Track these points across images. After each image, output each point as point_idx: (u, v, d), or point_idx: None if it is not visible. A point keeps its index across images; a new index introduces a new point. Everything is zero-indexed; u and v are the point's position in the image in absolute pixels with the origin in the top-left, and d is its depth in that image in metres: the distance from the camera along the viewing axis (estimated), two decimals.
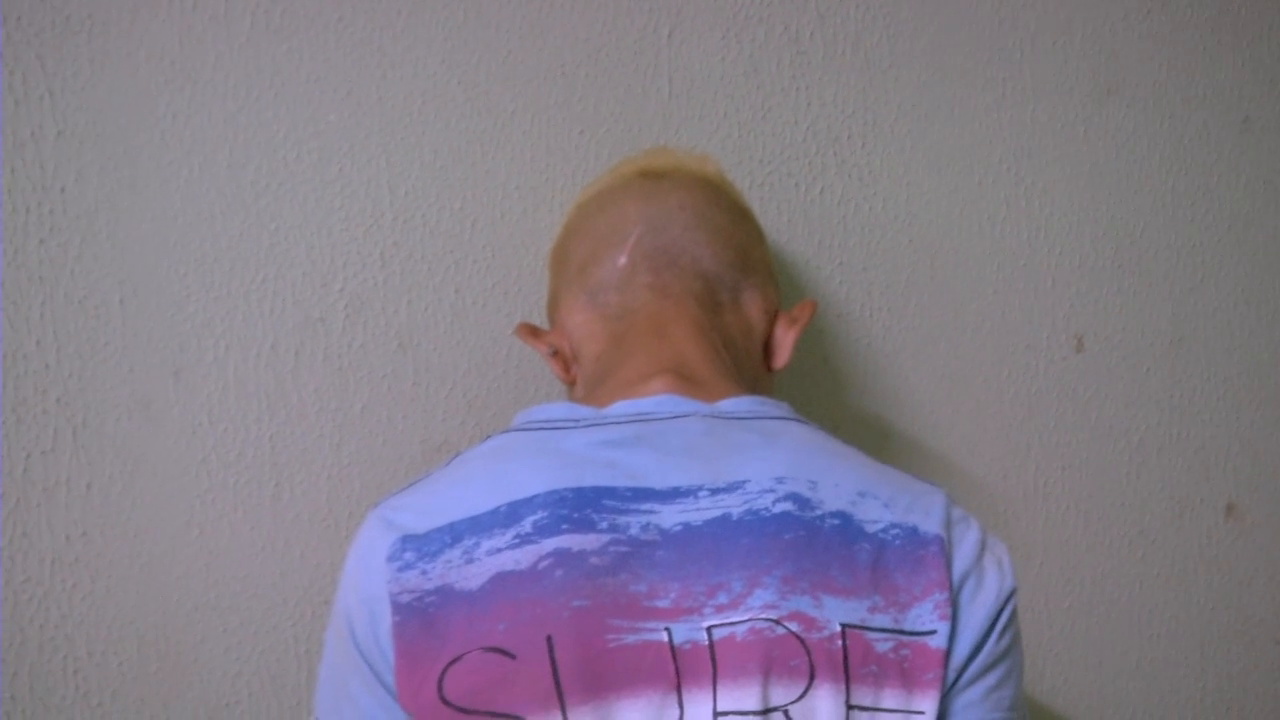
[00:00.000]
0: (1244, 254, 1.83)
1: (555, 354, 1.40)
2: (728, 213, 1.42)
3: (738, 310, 1.39)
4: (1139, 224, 1.80)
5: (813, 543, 1.19)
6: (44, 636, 1.54)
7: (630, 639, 1.17)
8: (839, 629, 1.17)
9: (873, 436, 1.67)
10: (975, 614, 1.20)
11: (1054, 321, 1.75)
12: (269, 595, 1.56)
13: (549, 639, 1.16)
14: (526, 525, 1.19)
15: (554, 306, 1.42)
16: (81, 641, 1.55)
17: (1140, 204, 1.80)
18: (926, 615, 1.18)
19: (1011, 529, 1.71)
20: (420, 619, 1.18)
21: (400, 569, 1.19)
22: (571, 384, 1.39)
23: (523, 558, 1.18)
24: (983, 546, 1.23)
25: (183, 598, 1.58)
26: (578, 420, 1.26)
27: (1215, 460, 1.83)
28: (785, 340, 1.40)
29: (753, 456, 1.23)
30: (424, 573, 1.19)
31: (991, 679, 1.21)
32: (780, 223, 1.64)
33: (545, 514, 1.19)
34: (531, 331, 1.42)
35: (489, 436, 1.28)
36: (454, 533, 1.21)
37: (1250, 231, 1.82)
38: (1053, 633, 1.76)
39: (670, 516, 1.20)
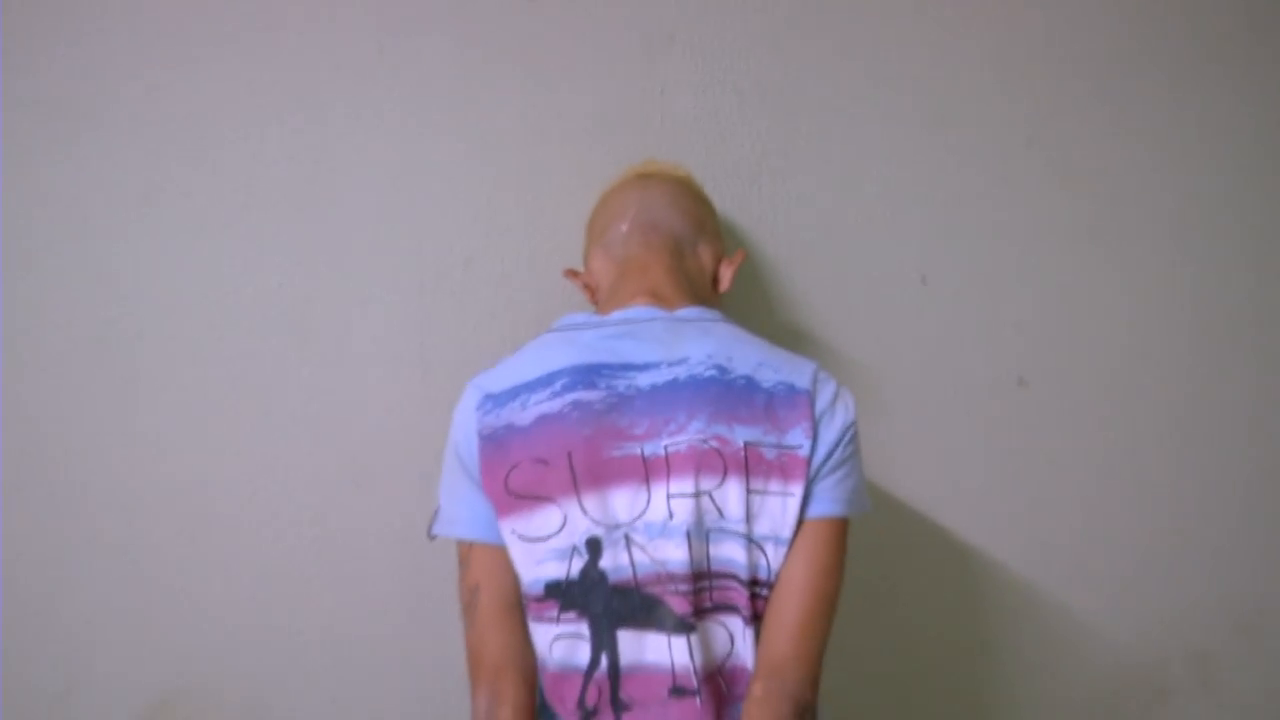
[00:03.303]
0: (1033, 233, 1.75)
1: (586, 286, 1.44)
2: (692, 198, 1.45)
3: (695, 257, 1.41)
4: (969, 201, 1.74)
5: (728, 393, 1.24)
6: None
7: (618, 453, 1.22)
8: (742, 445, 1.22)
9: (788, 334, 1.67)
10: (828, 435, 1.25)
11: (904, 263, 1.72)
12: (430, 422, 1.46)
13: (569, 454, 1.22)
14: (557, 386, 1.24)
15: (586, 257, 1.45)
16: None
17: (967, 191, 1.74)
18: (798, 436, 1.23)
19: (871, 393, 1.68)
20: (494, 443, 1.24)
21: (483, 414, 1.26)
22: (595, 303, 1.42)
23: (554, 405, 1.23)
24: (836, 395, 1.27)
25: (367, 442, 1.57)
26: (589, 323, 1.31)
27: (1009, 344, 1.76)
28: (726, 274, 1.42)
29: (694, 343, 1.27)
30: (497, 416, 1.25)
31: (839, 474, 1.25)
32: (732, 207, 1.64)
33: (568, 379, 1.24)
34: (573, 273, 1.46)
35: (538, 335, 1.33)
36: (514, 392, 1.26)
37: (1037, 221, 1.74)
38: (900, 465, 1.73)
39: (643, 379, 1.25)
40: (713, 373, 1.23)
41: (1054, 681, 1.83)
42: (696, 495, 1.20)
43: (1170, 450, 1.84)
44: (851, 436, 1.25)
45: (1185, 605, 1.86)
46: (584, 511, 1.20)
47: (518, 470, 1.22)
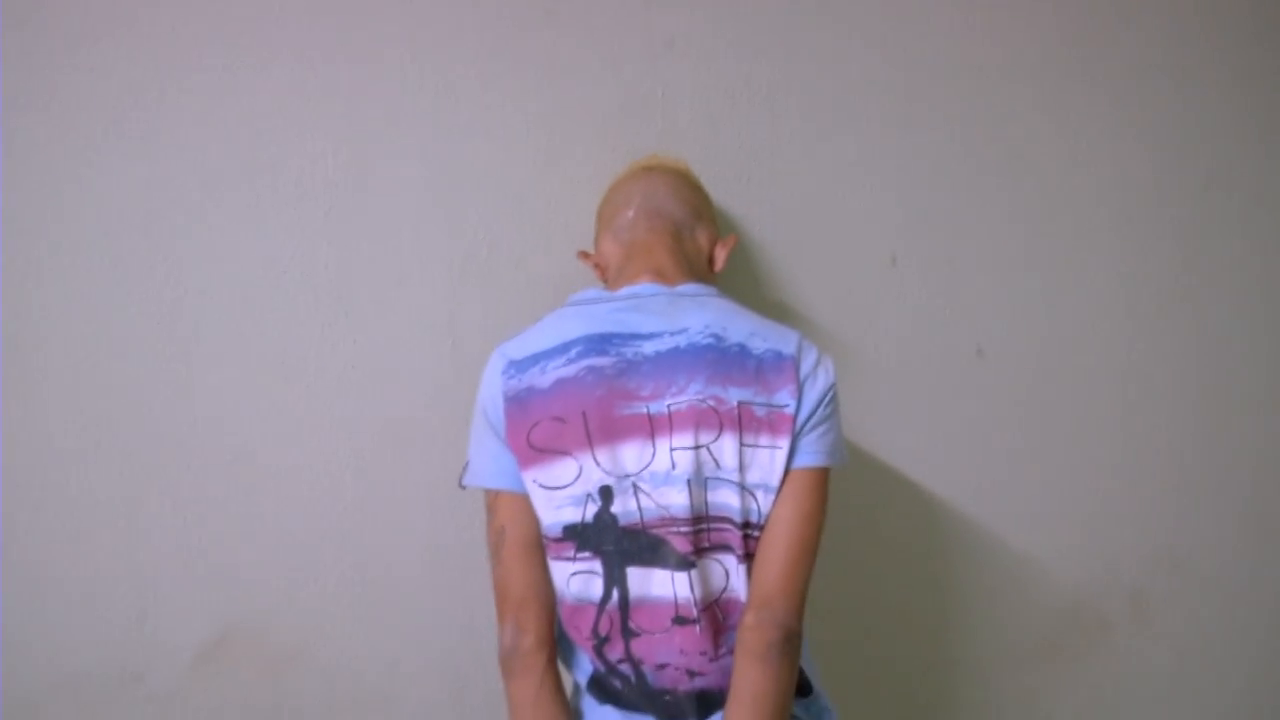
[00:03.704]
0: (990, 220, 1.75)
1: (597, 266, 1.43)
2: (689, 188, 1.45)
3: (693, 240, 1.40)
4: (934, 191, 1.73)
5: (723, 359, 1.24)
6: None
7: (627, 412, 1.23)
8: (736, 404, 1.23)
9: (774, 308, 1.66)
10: (811, 396, 1.25)
11: (876, 246, 1.71)
12: (458, 385, 1.53)
13: (584, 413, 1.22)
14: (573, 353, 1.25)
15: (597, 241, 1.45)
16: None
17: (932, 182, 1.73)
18: (784, 396, 1.24)
19: (846, 360, 1.68)
20: (518, 404, 1.25)
21: (508, 379, 1.26)
22: (604, 281, 1.42)
23: (570, 370, 1.24)
24: (818, 361, 1.28)
25: (403, 403, 1.57)
26: (600, 298, 1.31)
27: (969, 318, 1.76)
28: (720, 256, 1.41)
29: (692, 315, 1.27)
30: (519, 380, 1.25)
31: (820, 430, 1.26)
32: (724, 196, 1.63)
33: (582, 347, 1.25)
34: (585, 255, 1.45)
35: (555, 309, 1.33)
36: (535, 359, 1.26)
37: (993, 210, 1.74)
38: (872, 423, 1.73)
39: (649, 347, 1.25)
40: (709, 341, 1.23)
41: (1008, 616, 1.84)
42: (696, 448, 1.21)
43: (1110, 411, 1.84)
44: (831, 397, 1.26)
45: (1124, 548, 1.88)
46: (597, 463, 1.21)
47: (538, 427, 1.22)
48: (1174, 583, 1.90)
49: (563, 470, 1.22)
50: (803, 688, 1.27)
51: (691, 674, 1.23)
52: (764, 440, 1.22)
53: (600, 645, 1.24)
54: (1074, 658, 1.87)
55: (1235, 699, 1.96)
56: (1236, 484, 1.92)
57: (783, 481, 1.22)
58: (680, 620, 1.21)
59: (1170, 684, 1.92)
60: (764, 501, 1.22)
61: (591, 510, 1.22)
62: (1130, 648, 1.89)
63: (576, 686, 1.30)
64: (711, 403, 1.21)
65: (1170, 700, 1.93)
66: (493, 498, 1.27)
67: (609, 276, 1.40)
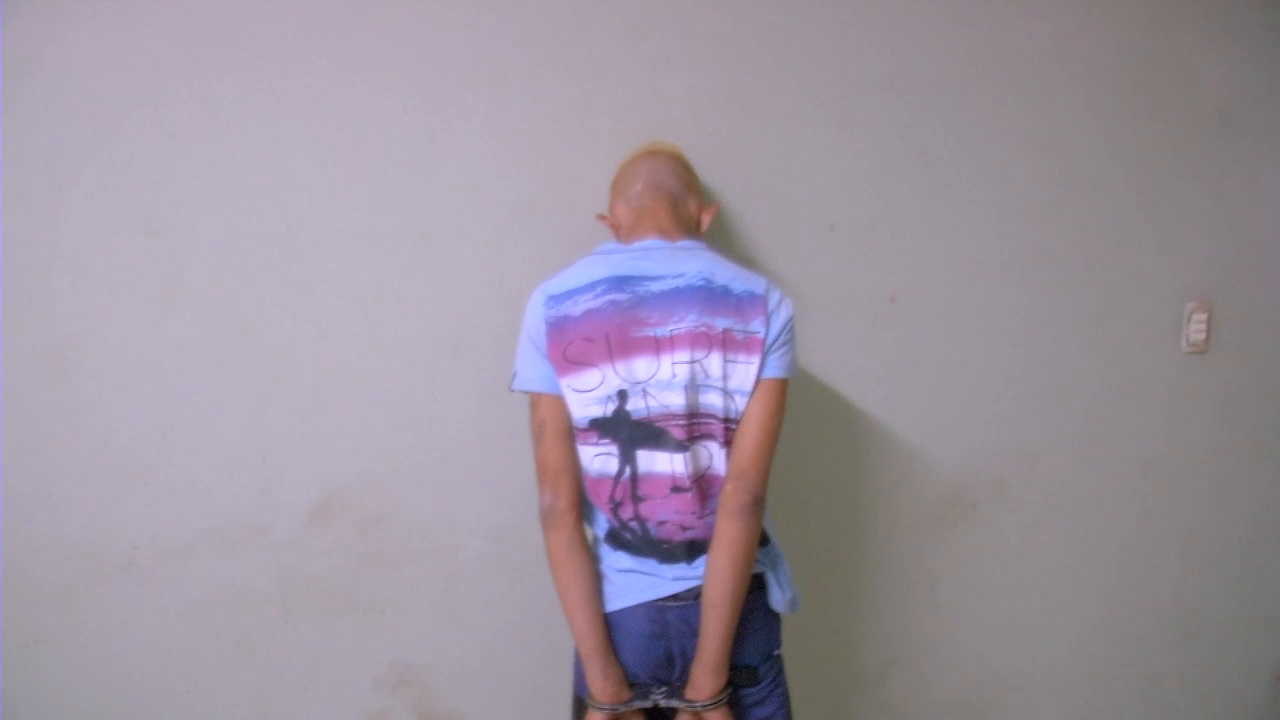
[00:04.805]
0: (903, 195, 1.71)
1: (612, 225, 1.44)
2: (682, 167, 1.45)
3: (686, 207, 1.41)
4: (860, 176, 1.67)
5: (712, 296, 1.27)
6: None
7: (639, 334, 1.26)
8: (722, 330, 1.26)
9: (742, 259, 1.61)
10: (776, 325, 1.29)
11: (819, 217, 1.68)
12: (505, 313, 1.52)
13: (607, 335, 1.26)
14: (598, 290, 1.27)
15: (612, 206, 1.45)
16: None
17: (860, 168, 1.67)
18: (757, 325, 1.27)
19: (793, 299, 1.66)
20: (556, 328, 1.28)
21: (548, 309, 1.29)
22: (618, 237, 1.41)
23: (596, 303, 1.27)
24: (781, 300, 1.31)
25: (462, 326, 1.56)
26: (618, 249, 1.33)
27: (885, 273, 1.72)
28: (705, 219, 1.42)
29: (688, 262, 1.29)
30: (557, 310, 1.28)
31: (781, 351, 1.29)
32: (708, 175, 1.60)
33: (605, 285, 1.27)
34: (603, 217, 1.46)
35: (583, 257, 1.33)
36: (569, 294, 1.28)
37: (904, 187, 1.69)
38: (811, 350, 1.70)
39: (656, 286, 1.27)
40: (702, 283, 1.26)
41: (903, 494, 1.86)
42: (691, 363, 1.24)
43: (982, 343, 1.84)
44: (790, 327, 1.30)
45: (990, 447, 1.89)
46: (616, 373, 1.25)
47: (572, 345, 1.26)
48: (1025, 474, 1.91)
49: (590, 378, 1.25)
50: (763, 539, 1.33)
51: (684, 528, 1.28)
52: (741, 357, 1.26)
53: (615, 507, 1.29)
54: (950, 527, 1.90)
55: (1068, 562, 1.97)
56: (1076, 398, 1.91)
57: (754, 388, 1.26)
58: (676, 489, 1.26)
59: (1019, 548, 1.94)
60: (740, 402, 1.26)
61: (611, 408, 1.25)
62: (991, 521, 1.92)
63: (595, 538, 1.35)
64: (704, 329, 1.25)
65: (1019, 560, 1.94)
66: (535, 398, 1.30)
67: (622, 234, 1.41)
